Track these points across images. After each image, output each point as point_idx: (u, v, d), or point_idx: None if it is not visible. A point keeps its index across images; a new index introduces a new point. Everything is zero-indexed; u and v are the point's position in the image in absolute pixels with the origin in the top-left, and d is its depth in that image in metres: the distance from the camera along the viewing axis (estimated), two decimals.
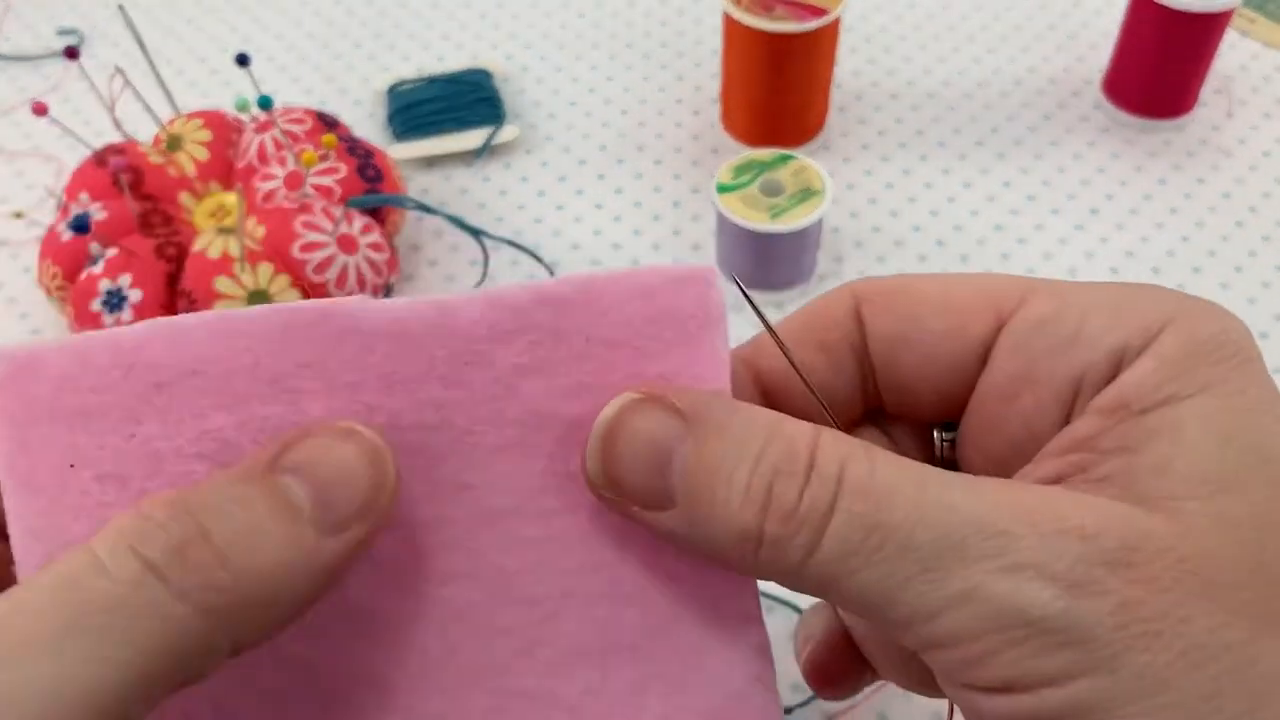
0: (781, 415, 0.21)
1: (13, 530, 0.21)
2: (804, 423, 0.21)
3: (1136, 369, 0.21)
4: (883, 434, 0.27)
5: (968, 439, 0.25)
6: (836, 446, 0.21)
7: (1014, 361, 0.23)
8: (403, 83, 0.72)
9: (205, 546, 0.18)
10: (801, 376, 0.25)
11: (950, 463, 0.26)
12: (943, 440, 0.26)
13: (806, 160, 0.57)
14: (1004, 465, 0.24)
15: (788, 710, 0.43)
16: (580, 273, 0.22)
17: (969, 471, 0.24)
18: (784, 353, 0.25)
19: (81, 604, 0.18)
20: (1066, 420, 0.22)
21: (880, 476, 0.20)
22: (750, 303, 0.25)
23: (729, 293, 0.34)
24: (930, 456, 0.27)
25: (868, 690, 0.44)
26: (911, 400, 0.25)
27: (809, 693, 0.44)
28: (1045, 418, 0.23)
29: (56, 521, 0.21)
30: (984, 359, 0.24)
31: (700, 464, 0.21)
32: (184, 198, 0.59)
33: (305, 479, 0.20)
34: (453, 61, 0.75)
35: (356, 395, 0.21)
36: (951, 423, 0.26)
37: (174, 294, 0.54)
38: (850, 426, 0.27)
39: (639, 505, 0.22)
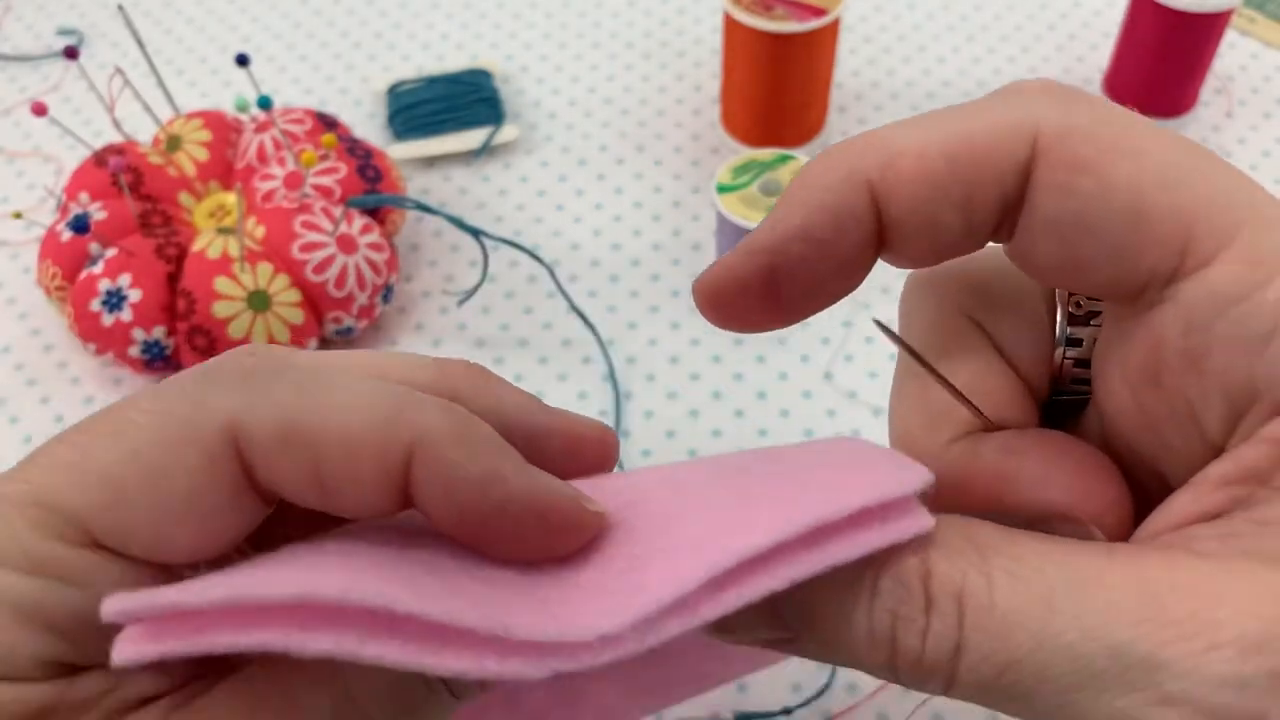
0: (885, 559, 0.19)
1: None
2: (910, 540, 0.19)
3: None
4: (977, 323, 0.23)
5: (1111, 358, 0.21)
6: (951, 570, 0.18)
7: (1186, 338, 0.19)
8: (402, 83, 0.72)
9: None
10: (958, 393, 0.21)
11: (1070, 380, 0.22)
12: (1064, 357, 0.22)
13: (807, 160, 0.57)
14: (1147, 416, 0.20)
15: (787, 711, 0.43)
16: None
17: (1102, 398, 0.21)
18: (937, 377, 0.21)
19: None
20: (1233, 423, 0.19)
21: (1001, 603, 0.18)
22: (903, 345, 0.22)
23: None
24: (1044, 357, 0.23)
25: (868, 690, 0.44)
26: (1040, 277, 0.21)
27: (809, 693, 0.44)
28: (1210, 407, 0.19)
29: None
30: (1145, 295, 0.20)
31: (811, 603, 0.19)
32: (183, 198, 0.59)
33: None
34: (452, 61, 0.75)
35: None
36: (1076, 336, 0.22)
37: (174, 294, 0.54)
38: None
39: (762, 645, 0.21)
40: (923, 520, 0.19)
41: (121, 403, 0.20)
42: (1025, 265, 0.21)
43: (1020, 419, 0.23)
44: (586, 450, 0.25)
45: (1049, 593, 0.18)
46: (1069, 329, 0.22)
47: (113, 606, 0.18)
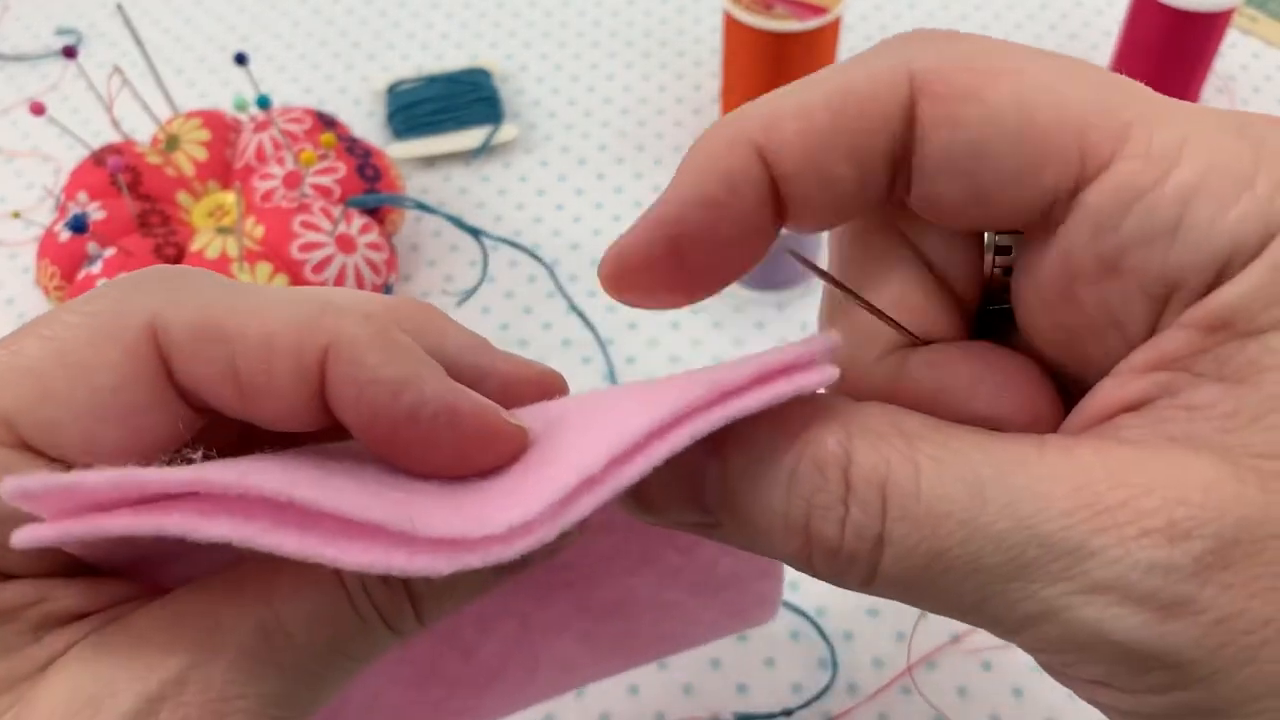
0: (809, 415, 0.19)
1: None
2: (834, 424, 0.19)
3: (1246, 278, 0.17)
4: (905, 237, 0.22)
5: (1027, 281, 0.21)
6: (874, 457, 0.18)
7: (1097, 242, 0.19)
8: (402, 82, 0.72)
9: None
10: (880, 312, 0.21)
11: (1001, 288, 0.22)
12: (994, 266, 0.22)
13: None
14: (1069, 332, 0.20)
15: (788, 712, 0.43)
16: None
17: (1025, 320, 0.21)
18: (857, 299, 0.21)
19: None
20: (1154, 319, 0.19)
21: (928, 491, 0.18)
22: (819, 272, 0.22)
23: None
24: (974, 269, 0.22)
25: (869, 692, 0.43)
26: (950, 221, 0.21)
27: (809, 693, 0.44)
28: (1130, 308, 0.19)
29: None
30: (1053, 213, 0.19)
31: (730, 486, 0.20)
32: (182, 197, 0.59)
33: None
34: (452, 60, 0.75)
35: None
36: (1004, 242, 0.21)
37: None
38: (870, 220, 0.23)
39: (687, 530, 0.21)
40: (826, 372, 0.19)
41: (56, 308, 0.21)
42: (930, 211, 0.21)
43: (949, 332, 0.22)
44: (529, 393, 0.24)
45: (979, 481, 0.18)
46: (997, 236, 0.22)
47: (10, 485, 0.17)
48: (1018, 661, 0.44)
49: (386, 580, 0.21)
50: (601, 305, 0.59)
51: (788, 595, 0.46)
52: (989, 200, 0.19)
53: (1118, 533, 0.17)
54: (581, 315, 0.58)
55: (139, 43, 0.62)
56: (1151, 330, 0.19)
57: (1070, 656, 0.18)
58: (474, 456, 0.21)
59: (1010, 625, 0.18)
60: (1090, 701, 0.19)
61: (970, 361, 0.22)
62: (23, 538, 0.18)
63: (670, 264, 0.21)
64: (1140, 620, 0.17)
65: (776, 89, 0.21)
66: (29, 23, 0.80)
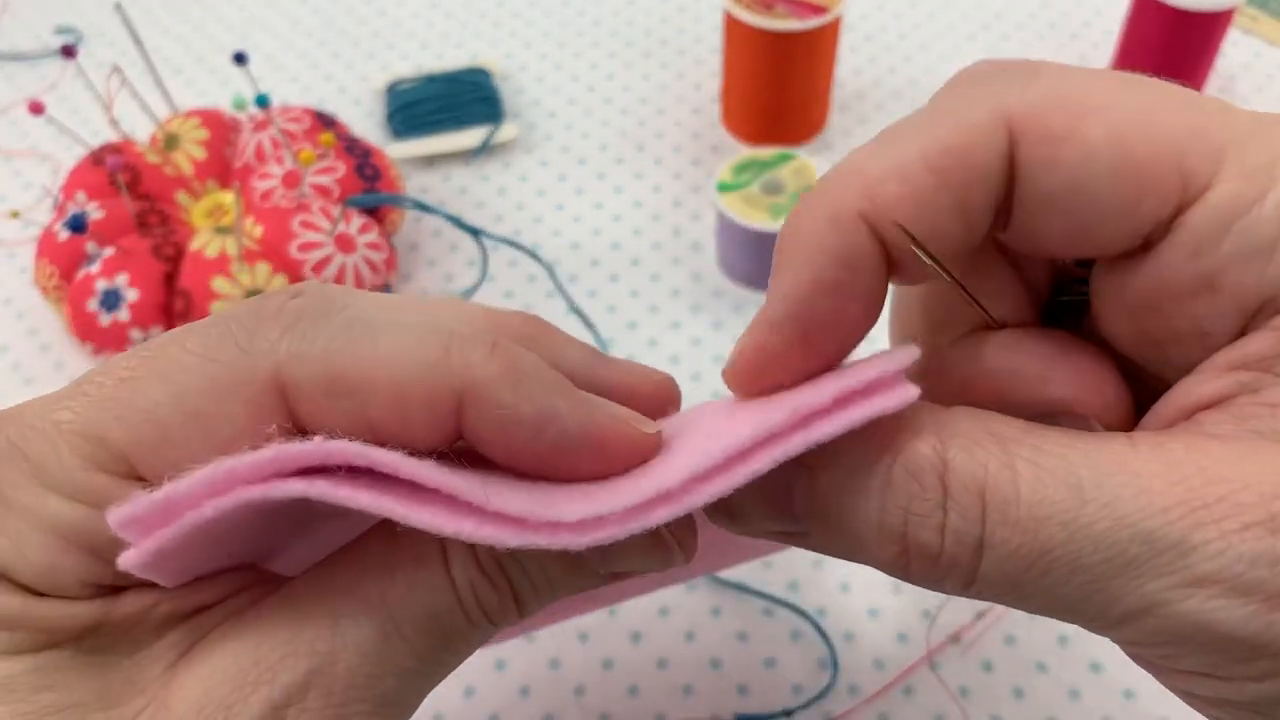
0: (898, 422, 0.19)
1: None
2: (925, 431, 0.19)
3: None
4: (1001, 260, 0.23)
5: (1111, 290, 0.21)
6: (970, 462, 0.19)
7: (1196, 262, 0.19)
8: (401, 81, 0.71)
9: None
10: (969, 293, 0.21)
11: (1074, 280, 0.23)
12: (1073, 295, 0.22)
13: (807, 159, 0.57)
14: (1153, 343, 0.21)
15: (788, 713, 0.43)
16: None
17: (1105, 322, 0.21)
18: (952, 279, 0.21)
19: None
20: (1244, 327, 0.19)
21: (1028, 496, 0.18)
22: (933, 259, 0.22)
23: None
24: (1048, 259, 0.23)
25: (869, 693, 0.43)
26: (1048, 251, 0.21)
27: (809, 694, 0.44)
28: (1220, 320, 0.19)
29: None
30: (1152, 239, 0.19)
31: (820, 496, 0.20)
32: (181, 197, 0.59)
33: None
34: (451, 60, 0.75)
35: None
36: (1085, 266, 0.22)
37: (171, 293, 0.54)
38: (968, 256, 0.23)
39: (775, 539, 0.21)
40: (906, 392, 0.19)
41: (168, 338, 0.21)
42: (1030, 246, 0.21)
43: (1022, 319, 0.23)
44: (646, 405, 0.24)
45: (1078, 482, 0.18)
46: None
47: (115, 516, 0.19)
48: (1019, 661, 0.44)
49: (495, 584, 0.21)
50: (601, 305, 0.59)
51: (788, 595, 0.46)
52: (1091, 233, 0.20)
53: (1218, 527, 0.17)
54: (581, 315, 0.58)
55: (138, 42, 0.61)
56: (1236, 336, 0.20)
57: (1171, 649, 0.18)
58: (612, 469, 0.21)
59: (1111, 620, 0.18)
60: (1182, 692, 0.19)
61: (1045, 347, 0.22)
62: (128, 560, 0.19)
63: (800, 351, 0.21)
64: (1248, 611, 0.17)
65: (860, 150, 0.20)
66: (28, 22, 0.80)
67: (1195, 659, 0.18)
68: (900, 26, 0.76)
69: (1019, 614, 0.46)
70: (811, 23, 0.59)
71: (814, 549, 0.21)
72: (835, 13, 0.59)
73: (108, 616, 0.21)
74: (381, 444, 0.20)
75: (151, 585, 0.21)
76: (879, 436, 0.19)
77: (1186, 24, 0.62)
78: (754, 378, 0.21)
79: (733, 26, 0.62)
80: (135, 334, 0.53)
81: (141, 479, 0.20)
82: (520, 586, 0.21)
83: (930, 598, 0.46)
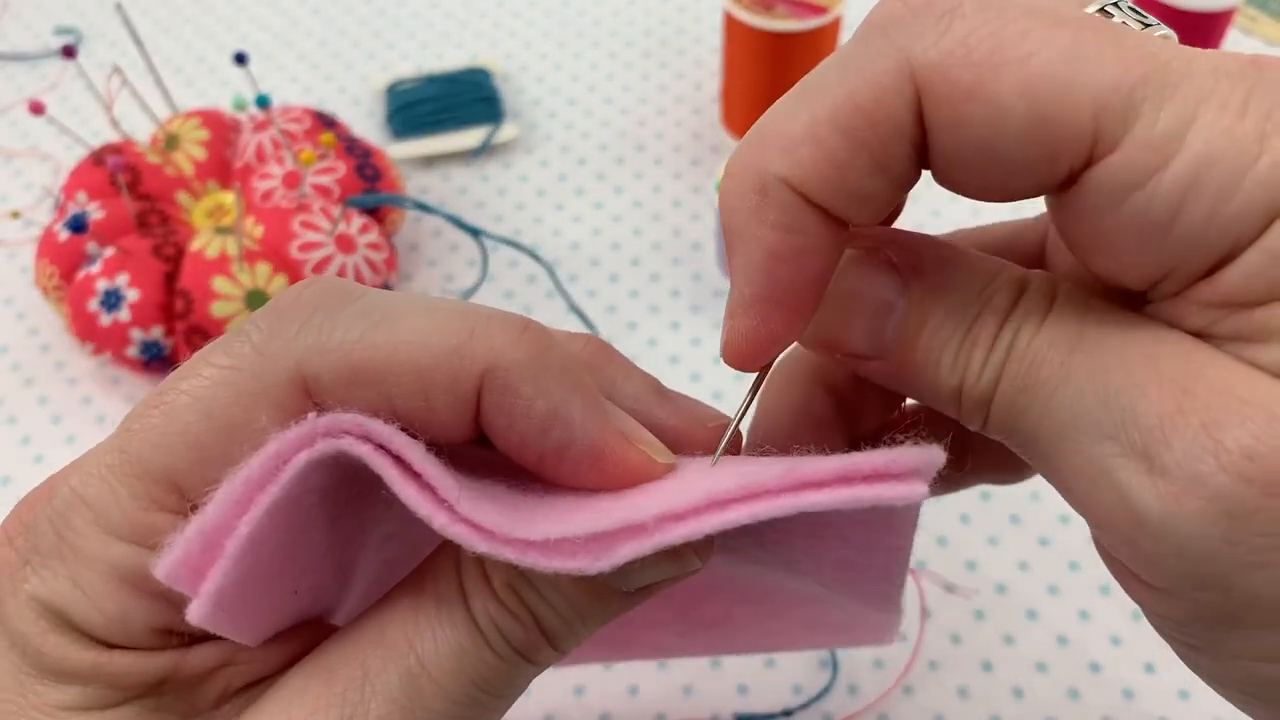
0: (995, 274, 0.21)
1: None
2: (1012, 283, 0.21)
3: (1242, 264, 0.18)
4: None
5: (1054, 215, 0.21)
6: (1023, 309, 0.20)
7: (1094, 223, 0.19)
8: (401, 81, 0.71)
9: None
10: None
11: None
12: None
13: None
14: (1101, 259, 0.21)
15: (788, 713, 0.43)
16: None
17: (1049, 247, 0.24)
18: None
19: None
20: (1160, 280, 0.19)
21: (1036, 341, 0.20)
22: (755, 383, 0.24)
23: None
24: None
25: (869, 693, 0.43)
26: (974, 196, 0.21)
27: (809, 694, 0.44)
28: (1131, 279, 0.19)
29: None
30: (1065, 189, 0.19)
31: (914, 330, 0.21)
32: (181, 197, 0.59)
33: None
34: (452, 60, 0.75)
35: None
36: None
37: (171, 294, 0.54)
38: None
39: (850, 356, 0.22)
40: (916, 490, 0.19)
41: (197, 356, 0.21)
42: (953, 188, 0.21)
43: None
44: (697, 447, 0.24)
45: (1079, 337, 0.19)
46: None
47: (160, 570, 0.19)
48: (1018, 662, 0.44)
49: (516, 616, 0.21)
50: (601, 305, 0.59)
51: None
52: (1006, 184, 0.19)
53: (1164, 404, 0.18)
54: (581, 315, 0.58)
55: (138, 42, 0.61)
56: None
57: (1108, 528, 0.19)
58: (608, 486, 0.21)
59: (1072, 481, 0.19)
60: (1135, 599, 0.20)
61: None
62: (194, 612, 0.19)
63: (781, 317, 0.21)
64: (1158, 491, 0.17)
65: (780, 101, 0.20)
66: (28, 22, 0.80)
67: (1122, 547, 0.18)
68: None
69: (1017, 613, 0.46)
70: (811, 23, 0.59)
71: (873, 371, 0.22)
72: (835, 13, 0.59)
73: (176, 671, 0.21)
74: (408, 429, 0.20)
75: (217, 640, 0.21)
76: (977, 280, 0.21)
77: (1186, 24, 0.62)
78: (749, 359, 0.22)
79: (733, 27, 0.62)
80: (136, 334, 0.53)
81: (196, 509, 0.20)
82: (543, 616, 0.21)
83: (930, 598, 0.46)
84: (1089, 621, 0.45)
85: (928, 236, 0.23)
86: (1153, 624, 0.20)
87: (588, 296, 0.59)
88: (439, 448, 0.20)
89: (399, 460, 0.19)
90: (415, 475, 0.19)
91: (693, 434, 0.24)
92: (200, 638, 0.20)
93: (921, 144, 0.19)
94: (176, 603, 0.19)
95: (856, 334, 0.22)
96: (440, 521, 0.19)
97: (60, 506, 0.20)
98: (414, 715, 0.20)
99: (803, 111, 0.19)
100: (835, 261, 0.21)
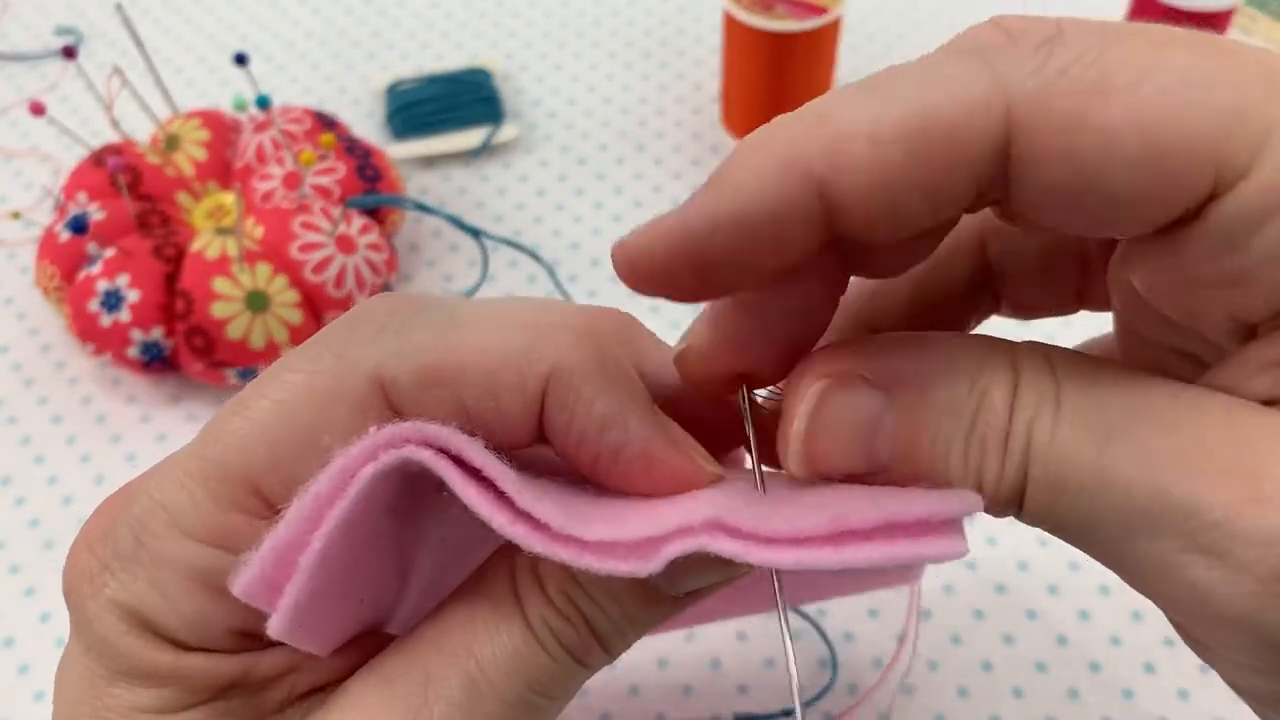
0: (982, 361, 0.19)
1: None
2: (1003, 368, 0.19)
3: None
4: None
5: (1136, 261, 0.19)
6: (1028, 399, 0.19)
7: (1224, 258, 0.17)
8: (401, 82, 0.71)
9: None
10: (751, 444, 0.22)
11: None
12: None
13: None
14: (1183, 310, 0.19)
15: (787, 712, 0.43)
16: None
17: (1114, 290, 0.21)
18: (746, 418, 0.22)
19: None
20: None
21: (1060, 438, 0.18)
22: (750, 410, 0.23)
23: None
24: None
25: (868, 692, 0.43)
26: (1050, 230, 0.19)
27: (809, 694, 0.44)
28: (1253, 313, 0.18)
29: None
30: (1179, 224, 0.17)
31: (909, 441, 0.20)
32: (182, 198, 0.59)
33: None
34: (452, 60, 0.75)
35: None
36: None
37: (172, 294, 0.54)
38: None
39: (847, 480, 0.21)
40: (957, 545, 0.19)
41: (277, 364, 0.21)
42: (1028, 226, 0.19)
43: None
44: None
45: (1108, 433, 0.18)
46: None
47: (238, 589, 0.19)
48: (1018, 662, 0.44)
49: (569, 619, 0.22)
50: (601, 305, 0.59)
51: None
52: (1106, 220, 0.18)
53: (1231, 494, 0.17)
54: None
55: (139, 43, 0.61)
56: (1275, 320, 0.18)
57: (1185, 619, 0.18)
58: (659, 491, 0.22)
59: (1135, 574, 0.18)
60: (1230, 683, 0.19)
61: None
62: (274, 627, 0.19)
63: (691, 276, 0.19)
64: (1246, 590, 0.17)
65: (839, 92, 0.18)
66: (28, 22, 0.80)
67: (1210, 635, 0.18)
68: (900, 26, 0.76)
69: (1015, 613, 0.46)
70: (811, 23, 0.59)
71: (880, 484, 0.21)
72: (835, 13, 0.60)
73: (247, 675, 0.21)
74: (474, 433, 0.20)
75: (286, 645, 0.21)
76: (964, 382, 0.19)
77: (1186, 24, 0.62)
78: (633, 271, 0.20)
79: (732, 27, 0.62)
80: (136, 335, 0.53)
81: (278, 511, 0.20)
82: (594, 619, 0.22)
83: (928, 598, 0.46)
84: (1089, 621, 0.45)
85: (894, 335, 0.21)
86: (1247, 701, 0.20)
87: (588, 296, 0.59)
88: (500, 452, 0.21)
89: (459, 462, 0.20)
90: (476, 476, 0.20)
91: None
92: (272, 642, 0.21)
93: (987, 183, 0.18)
94: (255, 607, 0.20)
95: (851, 459, 0.20)
96: (500, 521, 0.19)
97: (139, 512, 0.20)
98: (473, 718, 0.21)
99: (869, 105, 0.17)
100: (785, 269, 0.19)
